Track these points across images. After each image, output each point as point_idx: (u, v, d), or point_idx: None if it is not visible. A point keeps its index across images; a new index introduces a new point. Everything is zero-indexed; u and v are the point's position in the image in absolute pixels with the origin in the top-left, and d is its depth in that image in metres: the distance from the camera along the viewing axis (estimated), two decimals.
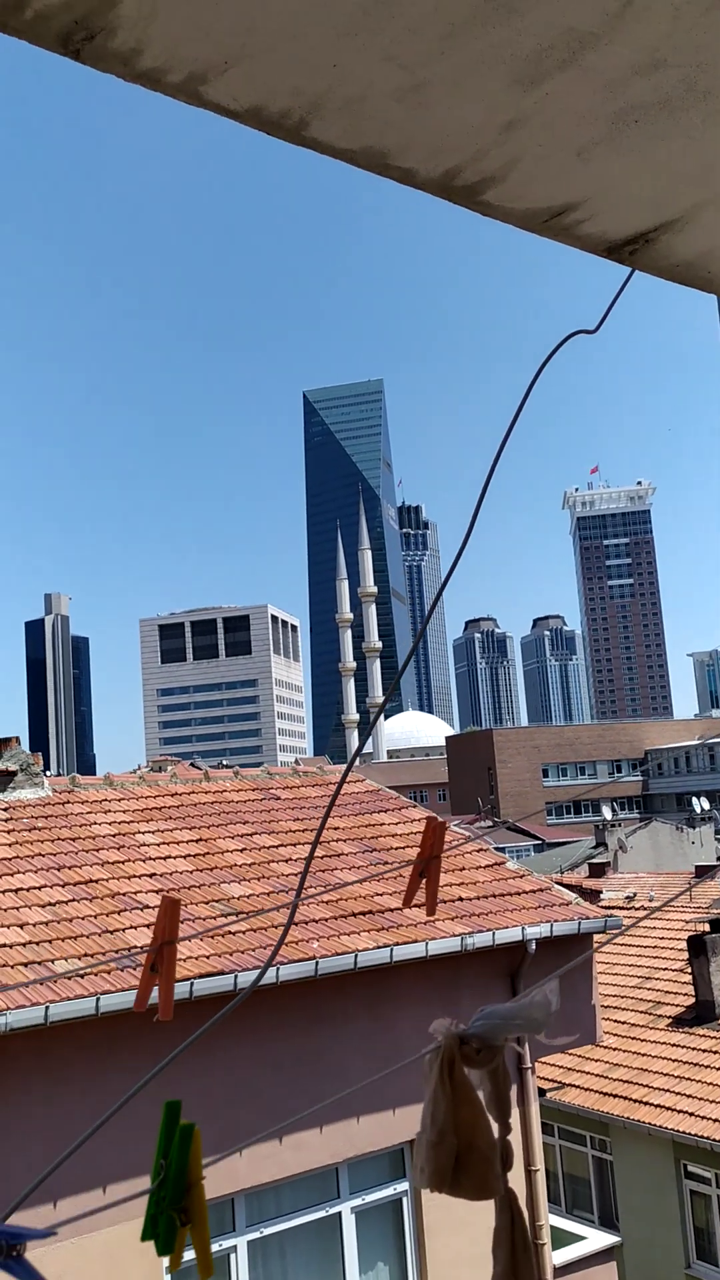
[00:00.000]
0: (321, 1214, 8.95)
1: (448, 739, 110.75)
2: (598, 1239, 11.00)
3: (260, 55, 1.22)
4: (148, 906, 9.44)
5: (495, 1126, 1.22)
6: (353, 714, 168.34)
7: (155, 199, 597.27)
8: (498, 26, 1.23)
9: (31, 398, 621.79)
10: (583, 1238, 10.87)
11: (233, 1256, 8.47)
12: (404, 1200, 9.47)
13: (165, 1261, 8.01)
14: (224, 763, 14.80)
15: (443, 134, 1.39)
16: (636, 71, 1.32)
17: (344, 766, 15.80)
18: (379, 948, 9.20)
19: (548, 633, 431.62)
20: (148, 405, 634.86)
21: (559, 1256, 10.29)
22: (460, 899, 10.68)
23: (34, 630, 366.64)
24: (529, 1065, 10.38)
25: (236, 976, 8.37)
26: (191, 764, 15.21)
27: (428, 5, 1.17)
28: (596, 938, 11.05)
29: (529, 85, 1.32)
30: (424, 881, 1.08)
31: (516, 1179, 9.99)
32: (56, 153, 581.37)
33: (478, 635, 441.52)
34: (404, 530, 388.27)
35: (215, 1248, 8.39)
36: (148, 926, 9.05)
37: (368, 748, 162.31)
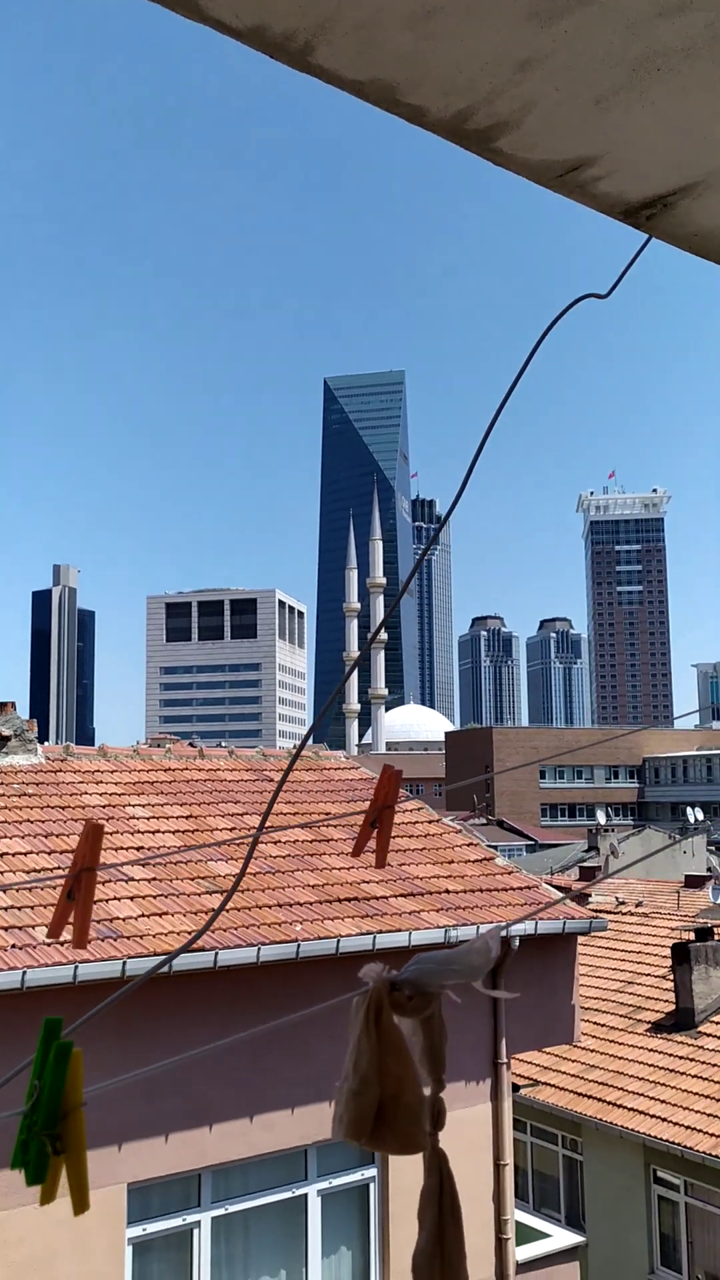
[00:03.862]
0: (288, 1194, 8.95)
1: (447, 734, 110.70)
2: (562, 1238, 10.99)
3: None
4: (132, 879, 9.42)
5: (427, 1081, 1.18)
6: (354, 704, 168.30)
7: (190, 174, 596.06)
8: None
9: (50, 367, 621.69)
10: (547, 1235, 10.85)
11: (196, 1232, 8.46)
12: (371, 1186, 9.46)
13: (127, 1232, 8.01)
14: (222, 744, 14.78)
15: (454, 69, 1.33)
16: (660, 13, 1.26)
17: (342, 751, 15.77)
18: (362, 934, 9.17)
19: (554, 635, 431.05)
20: (166, 377, 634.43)
21: (522, 1253, 10.28)
22: (447, 891, 10.64)
23: (41, 601, 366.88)
24: (504, 1061, 10.35)
25: (217, 954, 8.35)
26: (190, 743, 15.18)
27: None
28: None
29: (546, 20, 1.26)
30: (375, 832, 1.03)
31: (484, 1172, 9.98)
32: (86, 127, 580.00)
33: (484, 633, 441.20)
34: (417, 523, 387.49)
35: (179, 1221, 8.39)
36: (131, 899, 9.03)
37: (367, 738, 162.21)
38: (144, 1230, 8.18)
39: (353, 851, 0.99)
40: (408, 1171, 9.42)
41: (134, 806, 11.29)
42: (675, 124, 1.46)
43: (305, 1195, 9.02)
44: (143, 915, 8.75)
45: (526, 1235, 10.76)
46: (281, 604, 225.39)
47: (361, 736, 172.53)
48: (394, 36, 1.27)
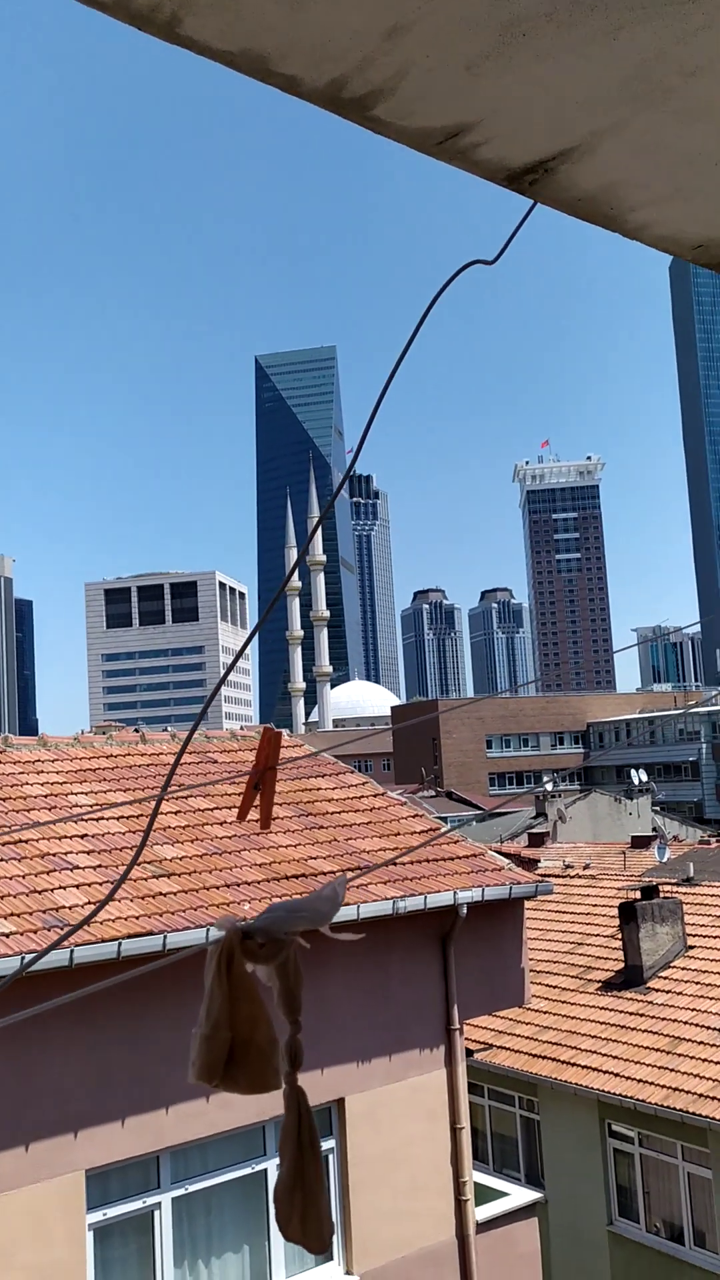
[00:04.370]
0: (247, 1170, 9.01)
1: (393, 709, 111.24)
2: (521, 1195, 11.20)
3: None
4: (78, 867, 9.37)
5: (286, 1024, 1.22)
6: (299, 682, 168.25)
7: (118, 153, 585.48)
8: None
9: None
10: (506, 1194, 11.06)
11: (157, 1213, 8.49)
12: (330, 1157, 9.56)
13: (88, 1218, 8.02)
14: (167, 728, 14.72)
15: (324, 38, 1.34)
16: None
17: (287, 730, 15.76)
18: None
19: (495, 605, 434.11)
20: (97, 364, 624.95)
21: (482, 1212, 10.46)
22: (393, 863, 10.72)
23: None
24: (457, 1026, 10.50)
25: (165, 937, 8.35)
26: (135, 729, 15.10)
27: None
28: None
29: None
30: (259, 795, 1.06)
31: (442, 1136, 10.13)
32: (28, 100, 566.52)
33: (426, 606, 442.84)
34: (354, 499, 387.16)
35: (139, 1204, 8.42)
36: (77, 887, 8.99)
37: (314, 716, 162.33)
38: (104, 1215, 8.20)
39: (238, 816, 1.02)
40: (367, 1140, 9.54)
41: (76, 794, 11.21)
42: (547, 88, 1.48)
43: (265, 1170, 9.09)
44: (89, 903, 8.71)
45: (486, 1195, 10.96)
46: (222, 585, 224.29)
47: (308, 715, 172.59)
48: (260, 5, 1.27)
